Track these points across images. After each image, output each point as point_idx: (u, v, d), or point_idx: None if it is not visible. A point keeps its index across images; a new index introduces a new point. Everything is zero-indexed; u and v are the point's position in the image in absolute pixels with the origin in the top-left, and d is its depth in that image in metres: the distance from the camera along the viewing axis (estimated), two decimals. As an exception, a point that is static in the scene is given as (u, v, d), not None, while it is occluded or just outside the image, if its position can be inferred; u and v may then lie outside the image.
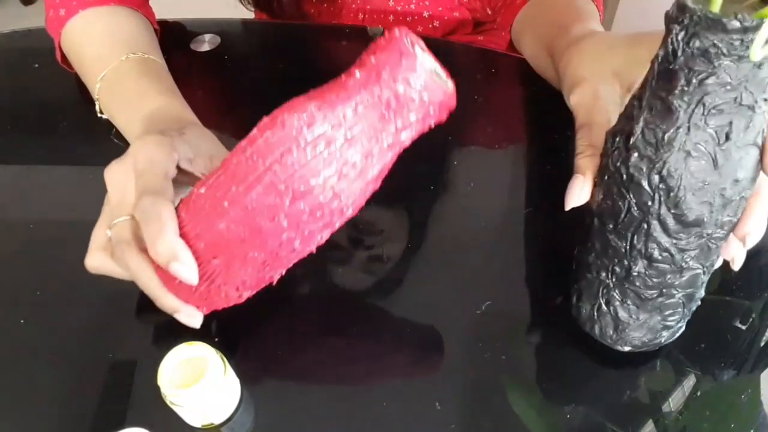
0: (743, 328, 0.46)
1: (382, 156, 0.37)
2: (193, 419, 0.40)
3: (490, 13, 0.77)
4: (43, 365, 0.45)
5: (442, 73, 0.37)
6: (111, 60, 0.55)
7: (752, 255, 0.48)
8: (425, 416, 0.42)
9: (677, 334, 0.44)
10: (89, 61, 0.58)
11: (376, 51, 0.36)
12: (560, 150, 0.58)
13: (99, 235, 0.44)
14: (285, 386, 0.44)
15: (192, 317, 0.41)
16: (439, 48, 0.70)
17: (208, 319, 0.46)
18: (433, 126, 0.38)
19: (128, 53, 0.56)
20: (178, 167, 0.43)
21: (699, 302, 0.42)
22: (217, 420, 0.41)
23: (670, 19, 0.32)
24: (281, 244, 0.38)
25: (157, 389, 0.39)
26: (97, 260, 0.43)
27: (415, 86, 0.35)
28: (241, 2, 0.80)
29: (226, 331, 0.46)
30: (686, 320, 0.43)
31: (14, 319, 0.47)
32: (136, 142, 0.43)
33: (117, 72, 0.55)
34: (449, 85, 0.37)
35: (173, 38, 0.67)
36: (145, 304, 0.47)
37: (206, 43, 0.69)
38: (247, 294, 0.41)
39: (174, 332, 0.44)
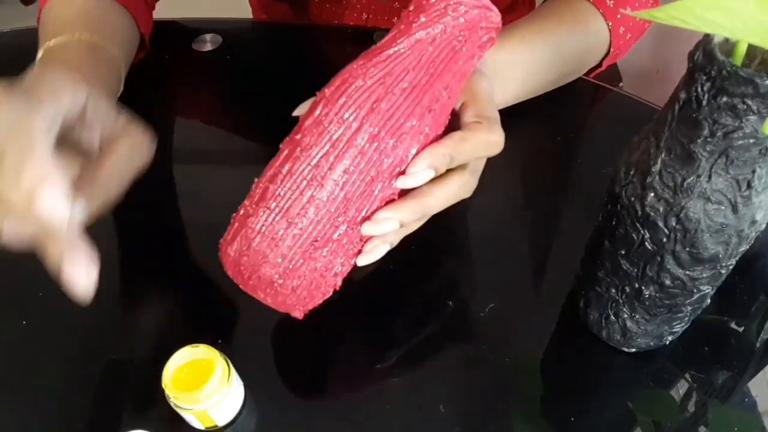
0: (745, 330, 0.46)
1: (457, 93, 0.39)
2: (196, 422, 0.40)
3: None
4: (45, 367, 0.45)
5: None
6: (64, 33, 0.53)
7: (752, 255, 0.48)
8: (429, 419, 0.42)
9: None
10: (48, 27, 0.56)
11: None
12: (563, 152, 0.58)
13: None
14: (289, 389, 0.44)
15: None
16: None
17: (211, 321, 0.46)
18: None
19: (84, 33, 0.54)
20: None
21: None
22: (221, 423, 0.41)
23: (695, 66, 0.30)
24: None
25: (161, 392, 0.38)
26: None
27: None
28: None
29: (229, 333, 0.46)
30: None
31: (16, 321, 0.47)
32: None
33: (63, 46, 0.53)
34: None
35: (175, 38, 0.67)
36: (148, 306, 0.47)
37: (208, 43, 0.69)
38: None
39: (177, 334, 0.43)
